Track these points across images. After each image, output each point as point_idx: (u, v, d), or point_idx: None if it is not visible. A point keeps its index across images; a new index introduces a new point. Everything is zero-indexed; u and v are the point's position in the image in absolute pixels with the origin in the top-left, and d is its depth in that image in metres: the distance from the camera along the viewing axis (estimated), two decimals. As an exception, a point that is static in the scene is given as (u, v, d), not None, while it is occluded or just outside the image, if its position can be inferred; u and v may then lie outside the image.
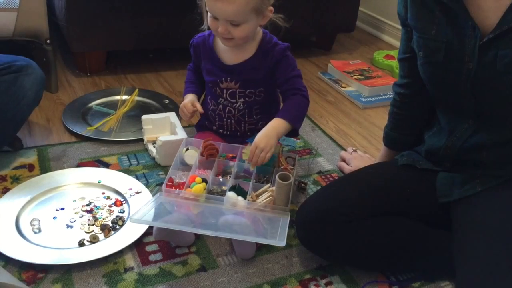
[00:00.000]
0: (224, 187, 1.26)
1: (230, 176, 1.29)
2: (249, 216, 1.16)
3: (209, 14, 1.25)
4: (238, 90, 1.37)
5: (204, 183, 1.24)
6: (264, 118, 1.39)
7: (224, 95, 1.39)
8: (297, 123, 1.31)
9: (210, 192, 1.24)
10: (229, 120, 1.42)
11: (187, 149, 1.37)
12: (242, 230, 1.11)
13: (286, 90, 1.34)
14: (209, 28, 1.32)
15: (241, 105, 1.39)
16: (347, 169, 1.48)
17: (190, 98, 1.42)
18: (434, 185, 1.15)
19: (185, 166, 1.36)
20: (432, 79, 1.12)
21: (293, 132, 1.35)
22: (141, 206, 1.17)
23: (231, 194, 1.21)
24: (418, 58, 1.13)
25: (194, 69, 1.48)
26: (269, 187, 1.24)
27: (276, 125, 1.27)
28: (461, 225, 1.07)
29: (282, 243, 1.04)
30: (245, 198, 1.20)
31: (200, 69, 1.44)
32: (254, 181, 1.27)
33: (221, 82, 1.37)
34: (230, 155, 1.38)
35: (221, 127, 1.44)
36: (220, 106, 1.41)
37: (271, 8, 1.28)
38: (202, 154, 1.34)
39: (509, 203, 1.05)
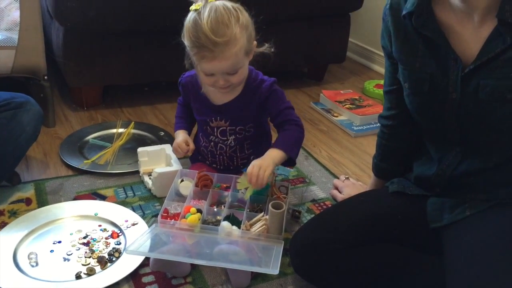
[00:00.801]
0: (218, 217, 1.28)
1: (224, 206, 1.31)
2: (244, 245, 1.17)
3: (202, 72, 1.28)
4: (228, 128, 1.40)
5: (199, 214, 1.26)
6: (256, 152, 1.42)
7: (215, 133, 1.42)
8: (292, 152, 1.33)
9: (205, 222, 1.26)
10: (221, 157, 1.45)
11: (182, 180, 1.39)
12: (236, 259, 1.12)
13: (280, 122, 1.37)
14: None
15: (232, 142, 1.42)
16: (340, 197, 1.50)
17: (182, 136, 1.45)
18: (425, 211, 1.17)
19: (180, 197, 1.38)
20: (418, 109, 1.15)
21: (290, 162, 1.36)
22: (137, 237, 1.19)
23: (225, 224, 1.23)
24: (404, 89, 1.16)
25: (184, 104, 1.51)
26: (263, 216, 1.26)
27: (271, 154, 1.29)
28: (452, 249, 1.09)
29: (275, 271, 1.06)
30: (239, 228, 1.22)
31: (189, 105, 1.47)
32: (248, 210, 1.29)
33: (211, 121, 1.40)
34: (224, 186, 1.40)
35: (214, 162, 1.47)
36: (212, 143, 1.44)
37: (255, 42, 1.30)
38: (196, 185, 1.37)
39: (499, 227, 1.06)
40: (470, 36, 1.02)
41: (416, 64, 1.09)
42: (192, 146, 1.44)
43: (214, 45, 1.18)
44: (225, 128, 1.40)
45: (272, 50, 1.33)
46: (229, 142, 1.42)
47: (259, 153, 1.32)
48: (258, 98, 1.36)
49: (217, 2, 1.22)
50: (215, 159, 1.46)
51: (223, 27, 1.19)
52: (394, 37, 1.13)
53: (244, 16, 1.25)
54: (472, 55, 1.01)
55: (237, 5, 1.25)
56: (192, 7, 1.23)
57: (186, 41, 1.24)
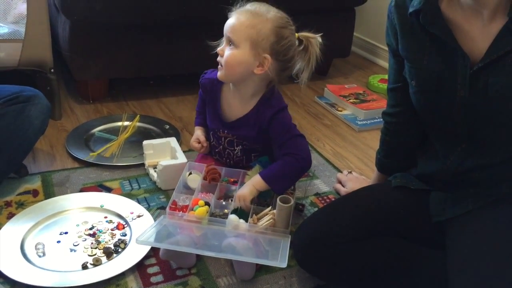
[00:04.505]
0: (226, 210, 1.29)
1: (232, 200, 1.32)
2: (251, 238, 1.19)
3: None
4: (235, 140, 1.40)
5: (207, 206, 1.27)
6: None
7: (222, 141, 1.43)
8: (275, 185, 1.29)
9: (212, 215, 1.27)
10: (228, 160, 1.46)
11: (190, 173, 1.40)
12: (244, 251, 1.13)
13: (281, 154, 1.32)
14: None
15: (239, 152, 1.42)
16: (343, 191, 1.52)
17: (195, 134, 1.49)
18: (427, 205, 1.18)
19: (188, 190, 1.39)
20: (425, 107, 1.15)
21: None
22: (146, 228, 1.20)
23: (233, 217, 1.23)
24: (411, 87, 1.15)
25: (203, 99, 1.49)
26: (270, 210, 1.27)
27: (254, 181, 1.29)
28: (454, 243, 1.10)
29: (283, 264, 1.07)
30: (246, 221, 1.23)
31: None
32: (255, 204, 1.30)
33: (219, 132, 1.42)
34: (232, 180, 1.41)
35: (220, 161, 1.48)
36: (220, 147, 1.45)
37: (268, 56, 1.26)
38: (204, 178, 1.38)
39: (501, 221, 1.07)
40: (479, 33, 1.01)
41: (423, 61, 1.09)
42: (204, 144, 1.46)
43: (244, 7, 1.27)
44: (232, 139, 1.41)
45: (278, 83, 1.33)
46: (236, 152, 1.42)
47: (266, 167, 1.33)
48: (261, 124, 1.33)
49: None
50: (223, 160, 1.47)
51: (264, 9, 1.26)
52: (400, 35, 1.13)
53: (285, 32, 1.28)
54: (480, 53, 1.01)
55: (292, 29, 1.30)
56: None
57: None
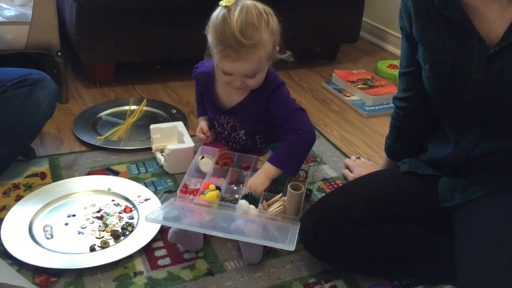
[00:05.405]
0: (236, 195, 1.29)
1: (243, 185, 1.32)
2: (260, 224, 1.18)
3: (221, 70, 1.25)
4: (237, 124, 1.40)
5: (217, 191, 1.27)
6: (269, 144, 1.42)
7: (225, 127, 1.42)
8: (287, 167, 1.29)
9: (223, 199, 1.27)
10: (234, 144, 1.45)
11: (203, 157, 1.40)
12: (252, 235, 1.13)
13: (285, 131, 1.31)
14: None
15: (243, 136, 1.42)
16: (351, 176, 1.51)
17: (200, 125, 1.50)
18: (436, 191, 1.17)
19: (200, 174, 1.39)
20: (438, 91, 1.14)
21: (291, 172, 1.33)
22: (156, 208, 1.21)
23: (243, 202, 1.23)
24: (424, 71, 1.14)
25: (200, 90, 1.49)
26: (281, 196, 1.27)
27: (265, 169, 1.29)
28: (462, 229, 1.09)
29: (291, 247, 1.06)
30: (256, 207, 1.23)
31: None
32: (266, 190, 1.29)
33: (220, 118, 1.41)
34: (244, 165, 1.41)
35: (229, 146, 1.48)
36: (226, 132, 1.44)
37: (278, 48, 1.27)
38: (217, 163, 1.38)
39: (509, 207, 1.06)
40: (496, 16, 1.00)
41: (437, 45, 1.07)
42: (208, 134, 1.47)
43: (240, 47, 1.16)
44: (234, 124, 1.40)
45: (292, 59, 1.29)
46: (240, 135, 1.42)
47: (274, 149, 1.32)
48: (260, 103, 1.32)
49: (249, 2, 1.19)
50: (229, 145, 1.47)
51: (252, 29, 1.16)
52: (414, 18, 1.11)
53: (274, 22, 1.22)
54: (497, 36, 0.99)
55: (268, 9, 1.22)
56: (222, 3, 1.19)
57: (210, 37, 1.21)
